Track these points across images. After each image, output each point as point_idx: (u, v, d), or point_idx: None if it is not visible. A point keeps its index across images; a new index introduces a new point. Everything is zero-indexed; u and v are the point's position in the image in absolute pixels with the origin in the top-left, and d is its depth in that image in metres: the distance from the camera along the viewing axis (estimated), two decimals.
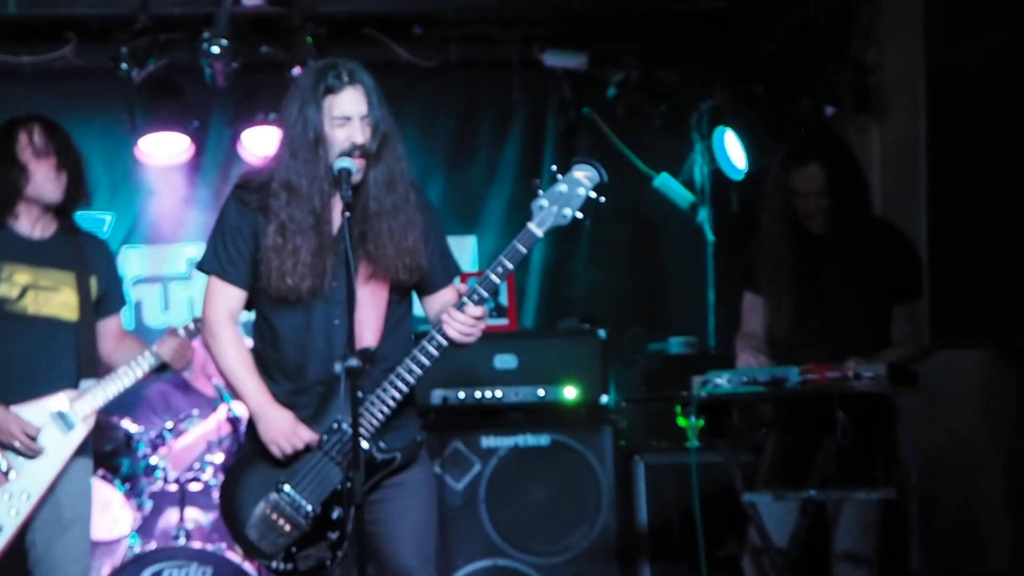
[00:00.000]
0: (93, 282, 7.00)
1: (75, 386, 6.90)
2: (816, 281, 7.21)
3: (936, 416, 7.66)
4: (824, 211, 7.14)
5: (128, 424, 8.25)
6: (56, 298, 6.90)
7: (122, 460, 8.18)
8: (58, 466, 6.81)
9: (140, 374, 7.00)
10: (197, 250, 6.73)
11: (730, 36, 9.87)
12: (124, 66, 9.39)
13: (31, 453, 6.74)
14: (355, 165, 5.81)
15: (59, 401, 6.84)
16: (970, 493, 8.01)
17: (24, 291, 6.84)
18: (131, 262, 10.37)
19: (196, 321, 7.07)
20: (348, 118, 5.86)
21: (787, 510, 7.11)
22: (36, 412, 6.78)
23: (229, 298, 6.11)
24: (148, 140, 9.88)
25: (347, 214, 5.68)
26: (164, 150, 9.98)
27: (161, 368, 7.06)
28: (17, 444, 6.72)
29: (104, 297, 7.11)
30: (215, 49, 9.20)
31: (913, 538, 7.09)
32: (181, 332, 7.13)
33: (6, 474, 6.76)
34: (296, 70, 9.04)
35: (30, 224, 6.91)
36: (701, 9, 9.51)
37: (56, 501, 6.84)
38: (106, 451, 8.18)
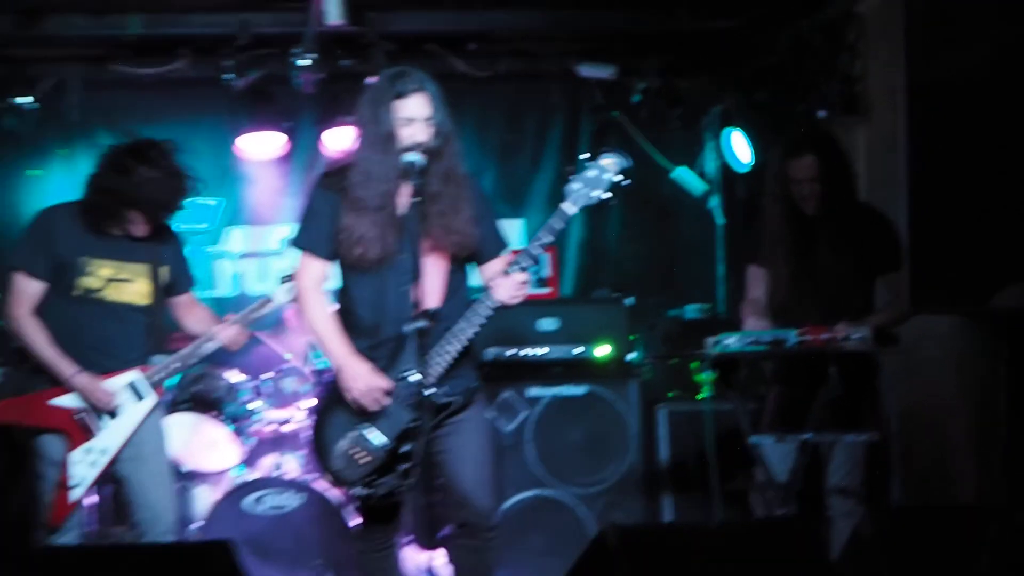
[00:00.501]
0: (164, 271, 7.02)
1: (146, 362, 6.94)
2: (810, 255, 7.17)
3: (913, 371, 7.63)
4: (817, 195, 7.10)
5: (235, 374, 8.25)
6: (132, 287, 6.92)
7: (228, 405, 8.19)
8: (131, 428, 6.87)
9: (202, 354, 7.07)
10: (289, 230, 6.69)
11: (737, 50, 9.82)
12: (228, 76, 9.45)
13: (112, 415, 6.80)
14: (419, 159, 5.89)
15: (133, 374, 6.88)
16: (941, 437, 7.97)
17: (107, 283, 6.85)
18: (235, 240, 10.41)
19: (286, 279, 7.19)
20: (412, 120, 5.97)
21: (787, 451, 7.06)
22: (114, 383, 6.83)
23: (316, 269, 6.23)
24: (248, 138, 9.91)
25: (415, 199, 5.86)
26: (261, 147, 10.00)
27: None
28: (100, 403, 6.77)
29: (175, 281, 7.14)
30: (303, 62, 9.27)
31: (894, 475, 7.07)
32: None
33: (88, 433, 6.79)
34: (370, 79, 9.02)
35: (118, 228, 6.89)
36: (712, 28, 9.43)
37: (137, 441, 6.89)
38: (215, 397, 8.20)
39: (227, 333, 7.05)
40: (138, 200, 6.77)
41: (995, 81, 5.65)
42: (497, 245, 6.31)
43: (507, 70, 10.10)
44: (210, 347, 7.06)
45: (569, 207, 5.98)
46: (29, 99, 9.61)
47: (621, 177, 6.02)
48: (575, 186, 6.01)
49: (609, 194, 6.03)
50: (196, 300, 7.32)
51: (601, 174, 6.02)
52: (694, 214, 10.40)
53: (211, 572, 4.93)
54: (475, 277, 6.35)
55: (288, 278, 7.16)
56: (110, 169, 6.83)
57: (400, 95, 6.02)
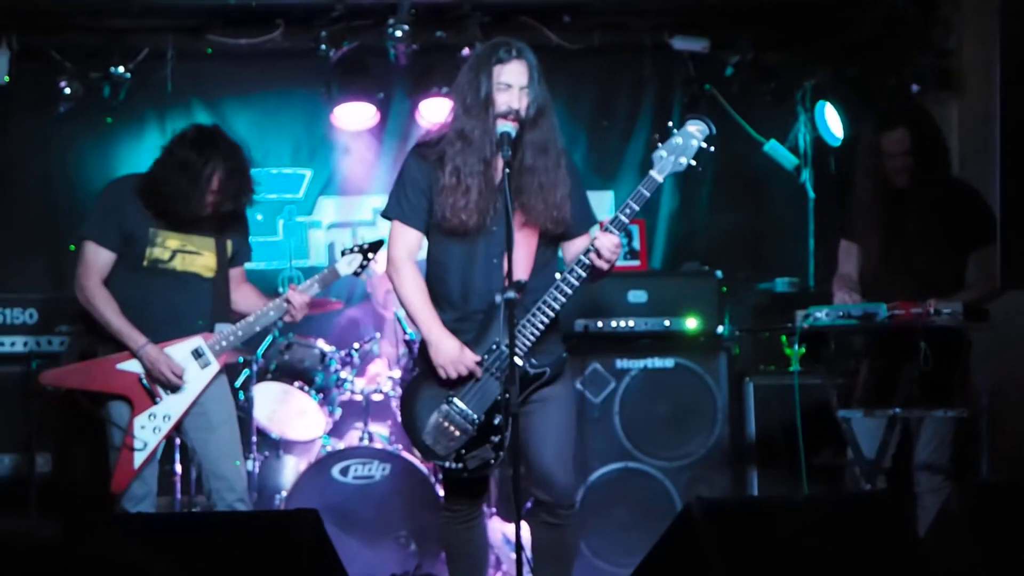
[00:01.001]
0: (228, 245, 7.09)
1: (211, 330, 6.98)
2: (901, 229, 7.20)
3: (1005, 348, 7.51)
4: (909, 169, 7.13)
5: (322, 344, 8.27)
6: (199, 260, 7.00)
7: (317, 374, 8.22)
8: (195, 395, 6.93)
9: (267, 323, 7.12)
10: (381, 201, 6.68)
11: (829, 24, 9.73)
12: (323, 47, 9.55)
13: (175, 384, 6.84)
14: (513, 129, 5.89)
15: (197, 340, 6.93)
16: None
17: (174, 254, 6.94)
18: (326, 210, 10.38)
19: (346, 252, 7.26)
20: (510, 86, 5.98)
21: (876, 426, 7.09)
22: (180, 350, 6.90)
23: (409, 240, 6.24)
24: (342, 109, 9.88)
25: (507, 171, 5.79)
26: (355, 117, 9.98)
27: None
28: (165, 379, 6.82)
29: (236, 254, 7.20)
30: (398, 33, 9.31)
31: (983, 451, 6.98)
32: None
33: (153, 399, 6.84)
34: (465, 51, 9.09)
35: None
36: (805, 1, 9.39)
37: (204, 410, 6.96)
38: (304, 367, 8.23)
39: (295, 300, 7.04)
40: (192, 195, 6.84)
41: None
42: (585, 221, 6.32)
43: (600, 43, 10.08)
44: (272, 317, 7.09)
45: (656, 175, 6.00)
46: (122, 69, 9.64)
47: (707, 144, 6.04)
48: (662, 154, 6.02)
49: (695, 161, 6.04)
50: (245, 277, 7.37)
51: (687, 141, 6.02)
52: (785, 188, 10.31)
53: (297, 541, 4.91)
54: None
55: (350, 250, 7.23)
56: (174, 161, 6.90)
57: (500, 61, 6.05)
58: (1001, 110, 5.79)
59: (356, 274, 7.23)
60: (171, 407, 6.88)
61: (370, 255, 7.09)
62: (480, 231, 6.10)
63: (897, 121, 7.21)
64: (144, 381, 6.85)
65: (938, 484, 7.00)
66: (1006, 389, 7.54)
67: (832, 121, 9.75)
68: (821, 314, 6.94)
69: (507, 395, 5.78)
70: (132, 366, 6.85)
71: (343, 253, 7.27)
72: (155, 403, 6.86)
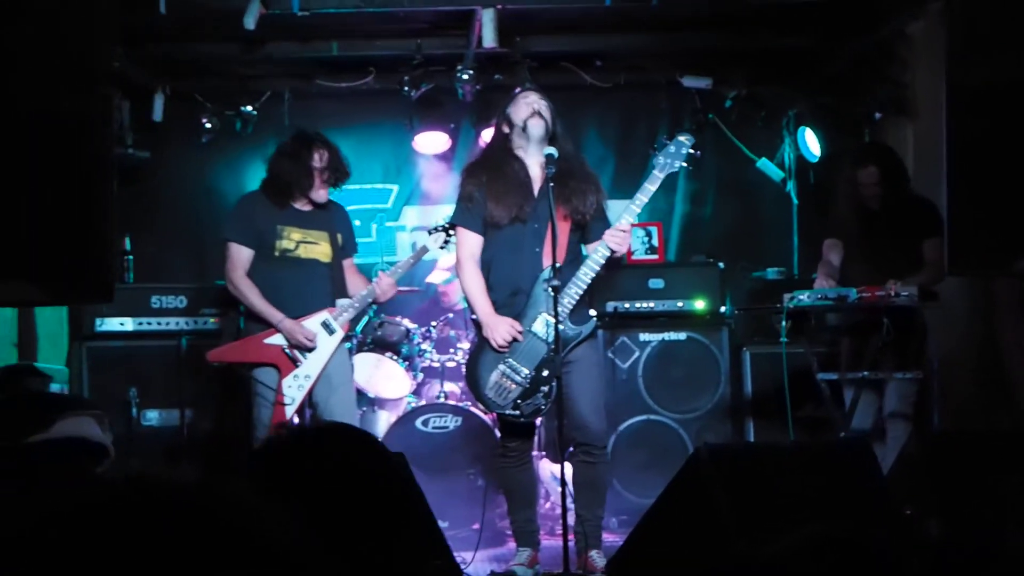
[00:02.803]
0: (338, 237, 7.18)
1: (333, 305, 7.08)
2: (871, 234, 7.28)
3: (951, 322, 7.48)
4: (878, 196, 7.24)
5: (407, 322, 8.26)
6: (318, 248, 7.10)
7: (403, 346, 8.19)
8: (326, 357, 7.03)
9: (369, 301, 7.23)
10: (452, 209, 6.70)
11: (808, 63, 9.62)
12: (406, 88, 9.46)
13: (310, 347, 6.95)
14: (555, 151, 6.09)
15: (324, 314, 7.04)
16: (970, 376, 7.81)
17: (298, 244, 7.05)
18: (409, 216, 10.35)
19: (432, 231, 7.36)
20: (529, 103, 6.37)
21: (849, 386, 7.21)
22: (311, 322, 7.01)
23: (470, 242, 6.35)
24: (421, 137, 9.82)
25: (551, 184, 6.01)
26: (431, 143, 9.91)
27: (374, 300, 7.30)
28: (303, 344, 6.95)
29: (344, 246, 7.27)
30: (465, 77, 9.27)
31: (934, 406, 6.93)
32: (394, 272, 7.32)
33: (295, 363, 6.95)
34: (517, 90, 9.02)
35: (301, 203, 7.11)
36: (788, 45, 9.29)
37: (327, 373, 7.05)
38: (393, 340, 8.22)
39: (381, 284, 7.15)
40: (300, 172, 7.01)
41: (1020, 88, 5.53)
42: (604, 227, 6.31)
43: (624, 81, 10.01)
44: (370, 298, 7.18)
45: (658, 173, 6.18)
46: (250, 108, 9.67)
47: (694, 150, 6.30)
48: (660, 159, 6.25)
49: (687, 163, 6.28)
50: (355, 267, 7.45)
51: (679, 149, 6.24)
52: (774, 196, 10.22)
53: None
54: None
55: (435, 229, 7.33)
56: (278, 154, 7.16)
57: (522, 91, 6.45)
58: (947, 132, 5.74)
59: (442, 247, 7.32)
60: (310, 368, 7.00)
61: (451, 232, 7.06)
62: (523, 227, 6.22)
63: (869, 160, 7.32)
64: (287, 350, 6.99)
65: (903, 431, 6.97)
66: (952, 356, 7.49)
67: (811, 143, 9.67)
68: (803, 297, 7.00)
69: (553, 356, 5.95)
70: (276, 339, 7.00)
71: (429, 232, 7.38)
72: (296, 366, 6.99)
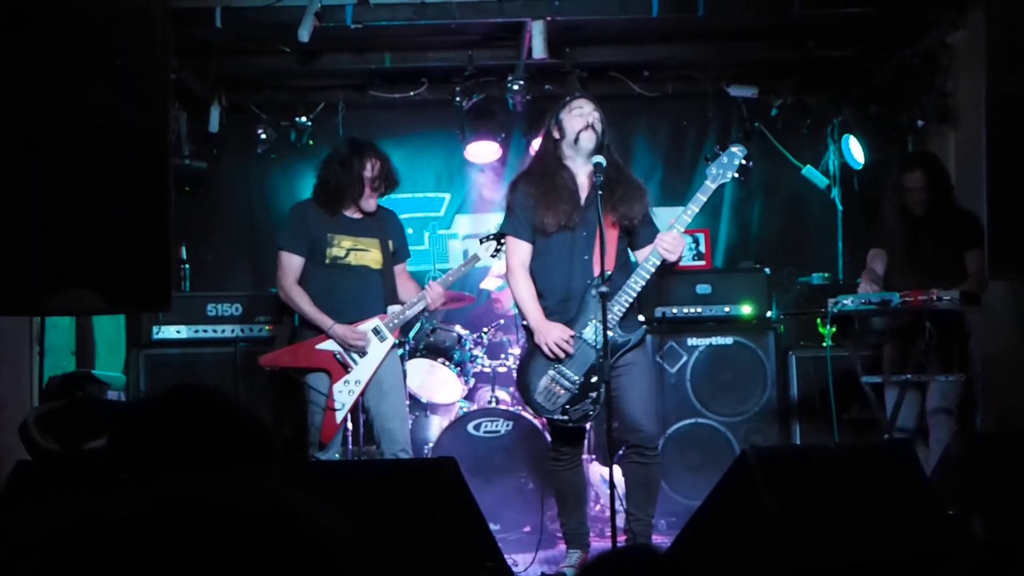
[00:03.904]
0: (390, 243, 7.18)
1: (384, 311, 7.10)
2: (917, 241, 7.26)
3: (993, 326, 7.46)
4: (924, 201, 7.23)
5: (460, 329, 8.30)
6: (368, 255, 7.11)
7: (455, 352, 8.23)
8: (377, 362, 7.03)
9: (420, 309, 7.22)
10: (502, 217, 6.72)
11: (853, 73, 9.64)
12: (458, 99, 9.53)
13: (362, 354, 6.98)
14: (603, 160, 6.03)
15: (375, 321, 7.05)
16: (1013, 378, 7.77)
17: (348, 251, 7.06)
18: (462, 224, 10.40)
19: (484, 240, 7.40)
20: (582, 110, 6.31)
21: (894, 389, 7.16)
22: (363, 328, 7.01)
23: (521, 250, 6.34)
24: (473, 146, 9.88)
25: (600, 192, 5.97)
26: (483, 152, 9.97)
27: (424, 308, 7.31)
28: (356, 345, 6.97)
29: (396, 252, 7.27)
30: (515, 87, 9.34)
31: (978, 407, 6.91)
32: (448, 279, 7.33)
33: (346, 368, 6.98)
34: (569, 96, 9.07)
35: (352, 210, 7.12)
36: (833, 56, 9.30)
37: (379, 379, 7.04)
38: (445, 346, 8.26)
39: (432, 293, 7.16)
40: (351, 180, 7.02)
41: None
42: (653, 234, 6.32)
43: (672, 91, 10.06)
44: (421, 305, 7.18)
45: (710, 184, 6.17)
46: (305, 119, 9.76)
47: (746, 161, 6.27)
48: (712, 170, 6.23)
49: (739, 174, 6.26)
50: (407, 273, 7.46)
51: (732, 159, 6.23)
52: (819, 203, 10.21)
53: (441, 482, 4.95)
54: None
55: (486, 238, 7.36)
56: (330, 163, 7.16)
57: (572, 98, 6.41)
58: (987, 139, 5.75)
59: (493, 255, 7.31)
60: (360, 374, 6.99)
61: (502, 240, 7.07)
62: (572, 235, 6.23)
63: (916, 165, 7.32)
64: (338, 356, 6.99)
65: (944, 432, 6.95)
66: (995, 358, 7.47)
67: (855, 150, 9.65)
68: (848, 301, 6.98)
69: (602, 362, 5.90)
70: (328, 345, 7.00)
71: (481, 241, 7.39)
72: (347, 372, 6.99)
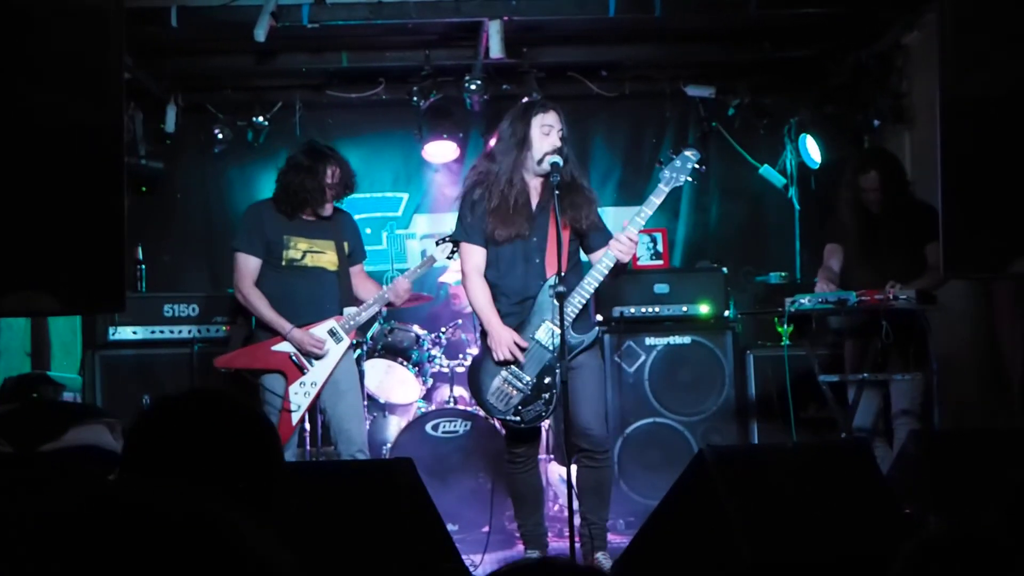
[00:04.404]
0: (345, 245, 7.18)
1: (340, 313, 7.09)
2: (874, 238, 7.28)
3: (949, 324, 7.50)
4: (879, 200, 7.25)
5: (417, 328, 8.28)
6: (324, 257, 7.10)
7: (413, 352, 8.20)
8: (333, 364, 7.03)
9: (379, 307, 7.25)
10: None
11: (809, 73, 9.71)
12: (415, 98, 9.54)
13: (319, 355, 6.97)
14: (560, 160, 6.05)
15: (331, 322, 7.04)
16: (970, 376, 7.82)
17: (304, 253, 7.06)
18: (420, 224, 10.35)
19: (440, 241, 7.37)
20: (551, 127, 6.18)
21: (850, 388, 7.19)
22: (319, 330, 7.01)
23: (474, 255, 6.36)
24: (431, 146, 9.85)
25: (557, 192, 5.98)
26: (441, 152, 9.94)
27: (389, 305, 7.34)
28: (312, 352, 6.96)
29: (352, 253, 7.27)
30: (473, 87, 9.31)
31: (935, 405, 6.92)
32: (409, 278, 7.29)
33: (302, 370, 6.96)
34: (524, 99, 9.06)
35: (308, 213, 7.12)
36: (790, 56, 9.36)
37: (335, 380, 7.03)
38: (403, 346, 8.23)
39: (394, 289, 7.17)
40: (314, 188, 7.01)
41: (1012, 97, 5.59)
42: (604, 237, 6.32)
43: (630, 91, 10.08)
44: (385, 299, 7.20)
45: (663, 187, 6.19)
46: (262, 118, 9.72)
47: (699, 165, 6.26)
48: (666, 173, 6.23)
49: (691, 178, 6.26)
50: (365, 273, 7.47)
51: (685, 163, 6.23)
52: (776, 202, 10.24)
53: (398, 484, 4.93)
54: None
55: (442, 240, 7.32)
56: (292, 169, 7.12)
57: (542, 110, 6.25)
58: (940, 139, 5.80)
59: (448, 257, 7.28)
60: (316, 376, 6.98)
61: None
62: (523, 239, 6.24)
63: (870, 165, 7.32)
64: (294, 358, 6.97)
65: (911, 429, 6.99)
66: (950, 356, 7.52)
67: (812, 149, 9.70)
68: (805, 300, 6.99)
69: (556, 362, 5.98)
70: (283, 347, 6.98)
71: (437, 243, 7.37)
72: (303, 374, 6.97)
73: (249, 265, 7.06)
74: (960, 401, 7.73)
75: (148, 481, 1.49)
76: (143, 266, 9.26)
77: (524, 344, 6.17)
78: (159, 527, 1.39)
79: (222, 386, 7.84)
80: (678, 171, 6.22)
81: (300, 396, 6.95)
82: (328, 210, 7.09)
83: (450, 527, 6.21)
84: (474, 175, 6.44)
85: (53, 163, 5.35)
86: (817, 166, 9.73)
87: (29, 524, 1.36)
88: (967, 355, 7.78)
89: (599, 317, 6.55)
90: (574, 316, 6.11)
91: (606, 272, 6.11)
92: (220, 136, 9.74)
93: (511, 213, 6.18)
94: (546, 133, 6.19)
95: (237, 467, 2.39)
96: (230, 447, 2.41)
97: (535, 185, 6.29)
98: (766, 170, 9.96)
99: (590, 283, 6.12)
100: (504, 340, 6.16)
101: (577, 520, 5.98)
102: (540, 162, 6.18)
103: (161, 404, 2.54)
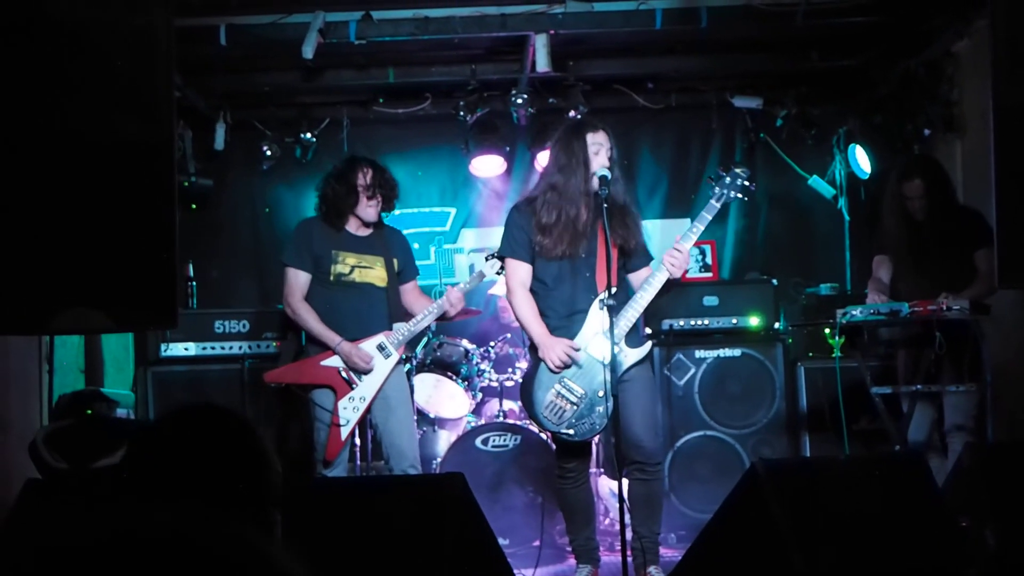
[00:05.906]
0: (395, 262, 7.22)
1: (390, 328, 7.12)
2: (921, 246, 7.21)
3: (1003, 334, 7.43)
4: (924, 208, 7.19)
5: (466, 343, 8.27)
6: (372, 272, 7.15)
7: (462, 366, 8.20)
8: (382, 379, 7.04)
9: (432, 319, 7.25)
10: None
11: (858, 83, 9.64)
12: (462, 113, 9.57)
13: (367, 370, 6.98)
14: (608, 172, 6.12)
15: (380, 337, 7.06)
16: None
17: (352, 268, 7.10)
18: (467, 238, 10.35)
19: (490, 257, 7.34)
20: (601, 145, 6.22)
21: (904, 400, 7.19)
22: (367, 345, 7.03)
23: (520, 271, 6.40)
24: (477, 160, 9.85)
25: (605, 205, 6.00)
26: (488, 166, 9.94)
27: (442, 317, 7.31)
28: (359, 367, 6.97)
29: (403, 270, 7.32)
30: (519, 101, 9.33)
31: (988, 417, 6.84)
32: (462, 286, 7.36)
33: (351, 385, 6.99)
34: (571, 113, 9.09)
35: (355, 227, 7.19)
36: (838, 66, 9.32)
37: (385, 395, 7.05)
38: (452, 360, 8.22)
39: (448, 299, 7.19)
40: (346, 191, 7.11)
41: None
42: (647, 257, 6.46)
43: (677, 103, 10.05)
44: (436, 312, 7.21)
45: (715, 203, 6.32)
46: (310, 135, 9.79)
47: (749, 183, 6.38)
48: (716, 189, 6.36)
49: (742, 194, 6.37)
50: (419, 289, 7.51)
51: (735, 180, 6.35)
52: (826, 213, 10.19)
53: (448, 498, 4.93)
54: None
55: (491, 255, 7.29)
56: (326, 178, 7.27)
57: (593, 130, 6.29)
58: (995, 147, 5.75)
59: (498, 273, 7.28)
60: (365, 390, 7.00)
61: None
62: (574, 255, 6.26)
63: (914, 173, 7.25)
64: (343, 372, 7.00)
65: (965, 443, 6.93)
66: (1004, 367, 7.43)
67: (862, 159, 9.65)
68: (856, 312, 6.96)
69: (608, 376, 5.98)
70: (333, 361, 7.02)
71: (486, 259, 7.38)
72: (352, 388, 6.99)
73: (299, 280, 7.10)
74: (1013, 413, 7.65)
75: (154, 509, 1.49)
76: (194, 283, 9.31)
77: (577, 346, 6.20)
78: (178, 560, 1.39)
79: (273, 401, 7.91)
80: (728, 187, 6.33)
81: (349, 411, 6.97)
82: (371, 214, 7.13)
83: (501, 541, 6.21)
84: (524, 196, 6.59)
85: (107, 182, 5.40)
86: (867, 176, 9.68)
87: (44, 560, 1.37)
88: (1019, 366, 7.69)
89: (648, 330, 6.52)
90: (627, 330, 6.15)
91: (659, 287, 6.17)
92: (268, 153, 9.80)
93: (563, 233, 6.21)
94: (596, 152, 6.23)
95: (228, 477, 2.39)
96: (219, 459, 2.41)
97: (585, 202, 6.28)
98: (815, 181, 9.93)
99: (643, 297, 6.17)
100: (556, 347, 6.19)
101: (629, 534, 5.97)
102: (589, 179, 6.20)
103: (146, 429, 2.55)
